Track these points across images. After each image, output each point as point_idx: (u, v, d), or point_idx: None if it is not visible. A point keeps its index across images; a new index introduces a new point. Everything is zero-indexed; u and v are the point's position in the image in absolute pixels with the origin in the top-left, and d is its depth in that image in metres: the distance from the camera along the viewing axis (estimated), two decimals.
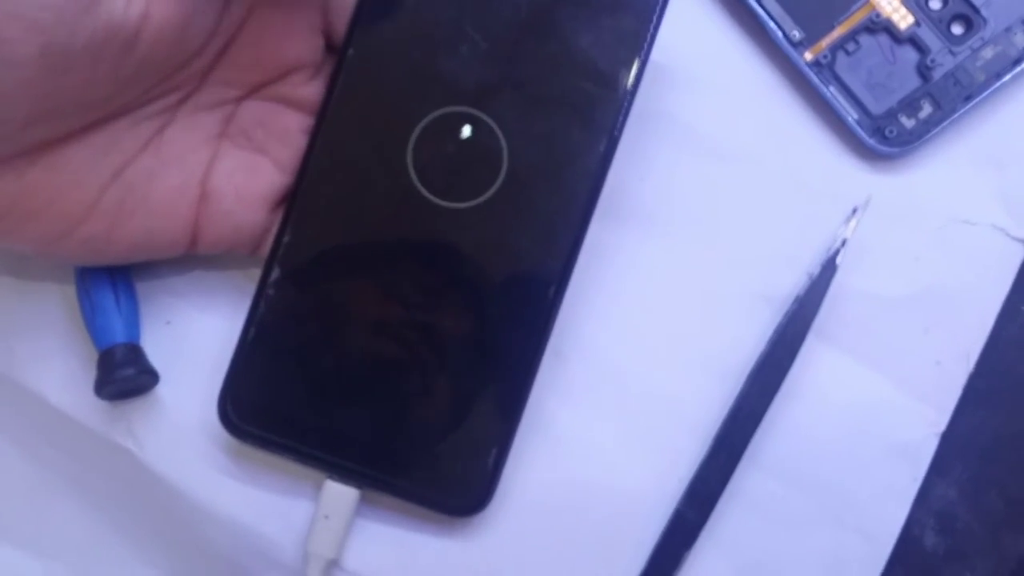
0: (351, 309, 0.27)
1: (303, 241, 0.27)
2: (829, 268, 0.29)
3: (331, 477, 0.27)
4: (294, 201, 0.27)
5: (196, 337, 0.29)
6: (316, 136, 0.27)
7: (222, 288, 0.29)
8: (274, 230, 0.27)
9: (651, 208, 0.31)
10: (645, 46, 0.26)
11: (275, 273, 0.27)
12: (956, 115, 0.30)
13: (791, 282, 0.30)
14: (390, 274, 0.27)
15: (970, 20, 0.30)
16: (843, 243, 0.29)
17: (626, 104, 0.26)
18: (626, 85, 0.26)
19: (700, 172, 0.31)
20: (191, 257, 0.28)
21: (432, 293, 0.27)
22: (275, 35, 0.26)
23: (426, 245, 0.27)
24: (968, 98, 0.30)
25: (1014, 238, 0.31)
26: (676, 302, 0.30)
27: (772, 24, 0.30)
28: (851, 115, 0.30)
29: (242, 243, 0.27)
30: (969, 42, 0.30)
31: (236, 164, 0.27)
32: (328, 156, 0.27)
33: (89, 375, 0.28)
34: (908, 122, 0.31)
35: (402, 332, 0.27)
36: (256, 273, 0.27)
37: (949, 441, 0.30)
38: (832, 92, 0.30)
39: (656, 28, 0.26)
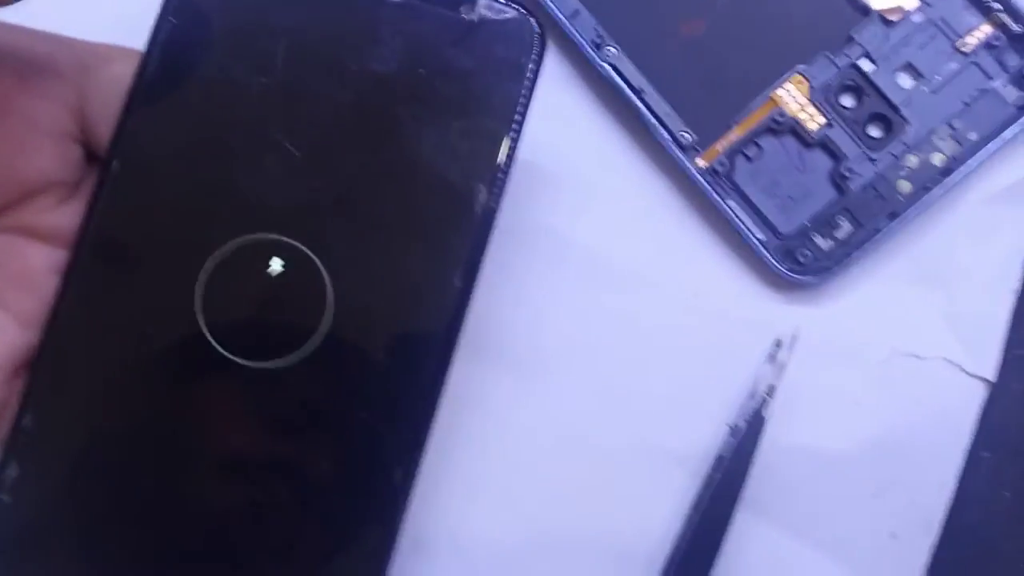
0: (118, 512, 0.21)
1: (49, 425, 0.21)
2: (756, 422, 0.25)
3: None
4: (38, 369, 0.21)
5: None
6: (70, 278, 0.22)
7: None
8: (14, 406, 0.22)
9: (527, 345, 0.27)
10: (507, 152, 0.22)
11: (12, 470, 0.21)
12: (880, 234, 0.26)
13: (707, 436, 0.26)
14: (172, 466, 0.21)
15: (889, 121, 0.27)
16: (770, 390, 0.25)
17: (486, 225, 0.22)
18: (485, 201, 0.22)
19: (586, 298, 0.27)
20: None
21: (230, 488, 0.21)
22: (11, 146, 0.21)
23: (224, 422, 0.21)
24: (893, 214, 0.26)
25: (971, 375, 0.27)
26: (563, 467, 0.26)
27: (657, 124, 0.27)
28: (756, 235, 0.27)
29: None
30: (889, 147, 0.27)
31: None
32: (87, 305, 0.22)
33: None
34: (824, 243, 0.27)
35: (188, 548, 0.21)
36: None
37: None
38: (731, 206, 0.27)
39: (519, 128, 0.22)
